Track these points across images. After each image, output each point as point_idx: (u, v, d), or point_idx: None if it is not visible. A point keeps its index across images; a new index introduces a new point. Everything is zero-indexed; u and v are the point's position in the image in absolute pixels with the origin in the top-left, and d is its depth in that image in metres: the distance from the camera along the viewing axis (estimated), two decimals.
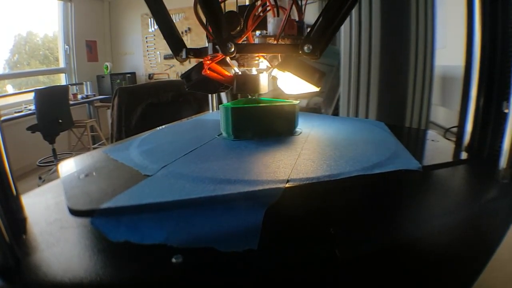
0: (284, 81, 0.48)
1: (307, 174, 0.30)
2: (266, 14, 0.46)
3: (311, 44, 0.40)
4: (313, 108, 1.20)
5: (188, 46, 0.46)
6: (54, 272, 0.23)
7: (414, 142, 0.53)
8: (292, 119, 0.48)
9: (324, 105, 1.19)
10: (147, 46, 3.98)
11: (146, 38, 3.96)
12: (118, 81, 3.69)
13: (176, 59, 0.47)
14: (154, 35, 3.90)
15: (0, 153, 0.31)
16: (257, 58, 0.47)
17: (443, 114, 1.13)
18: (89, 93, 3.52)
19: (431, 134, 0.54)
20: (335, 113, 1.12)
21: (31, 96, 2.48)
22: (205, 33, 0.43)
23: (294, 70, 0.43)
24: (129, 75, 3.82)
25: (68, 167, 0.38)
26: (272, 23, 0.45)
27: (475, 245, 0.34)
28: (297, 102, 0.48)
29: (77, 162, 0.39)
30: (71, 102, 2.84)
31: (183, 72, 0.50)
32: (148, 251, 0.24)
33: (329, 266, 0.25)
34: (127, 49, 4.08)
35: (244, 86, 0.46)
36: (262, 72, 0.48)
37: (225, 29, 0.38)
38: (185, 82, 0.50)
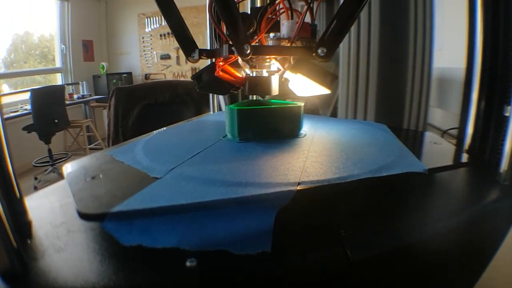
0: (295, 83, 0.49)
1: (317, 176, 0.31)
2: (279, 17, 0.47)
3: (325, 47, 0.40)
4: (310, 109, 1.20)
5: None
6: (65, 278, 0.23)
7: (416, 144, 0.54)
8: (297, 121, 0.48)
9: (322, 106, 1.19)
10: (144, 46, 3.96)
11: (142, 38, 3.94)
12: (114, 81, 3.67)
13: (188, 60, 0.48)
14: (151, 35, 3.88)
15: (4, 154, 0.30)
16: (268, 60, 0.47)
17: (439, 116, 1.14)
18: (85, 93, 3.50)
19: (433, 136, 0.55)
20: (333, 114, 1.12)
21: (27, 95, 2.46)
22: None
23: (307, 73, 0.44)
24: (125, 75, 3.80)
25: (72, 169, 0.37)
26: (286, 25, 0.45)
27: (477, 246, 0.35)
28: (302, 104, 0.48)
29: (82, 164, 0.38)
30: (67, 102, 2.82)
31: (194, 73, 0.51)
32: (161, 254, 0.24)
33: (341, 267, 0.25)
34: (124, 49, 4.06)
35: (256, 87, 0.47)
36: (273, 74, 0.48)
37: (242, 31, 0.38)
38: (195, 83, 0.50)
